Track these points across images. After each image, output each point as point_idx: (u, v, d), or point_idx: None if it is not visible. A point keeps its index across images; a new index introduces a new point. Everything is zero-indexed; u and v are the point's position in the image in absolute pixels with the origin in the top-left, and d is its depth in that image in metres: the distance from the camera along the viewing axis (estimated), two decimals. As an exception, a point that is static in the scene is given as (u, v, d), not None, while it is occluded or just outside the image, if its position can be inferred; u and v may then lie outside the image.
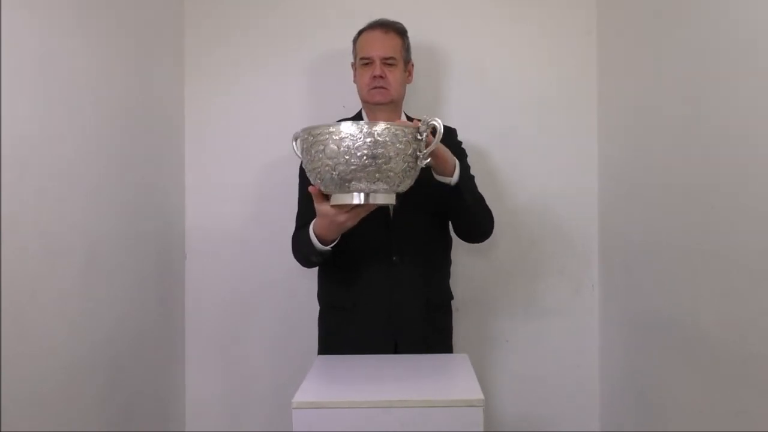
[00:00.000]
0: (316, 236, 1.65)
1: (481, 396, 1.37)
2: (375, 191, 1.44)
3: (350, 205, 1.48)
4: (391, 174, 1.42)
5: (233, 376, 2.36)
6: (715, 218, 1.57)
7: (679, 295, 1.75)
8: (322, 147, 1.40)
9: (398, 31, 1.90)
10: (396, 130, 1.40)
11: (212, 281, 2.35)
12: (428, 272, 1.89)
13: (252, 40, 2.34)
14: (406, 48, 1.92)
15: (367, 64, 1.86)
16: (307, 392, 1.43)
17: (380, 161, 1.39)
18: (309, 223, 1.70)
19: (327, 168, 1.41)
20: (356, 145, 1.38)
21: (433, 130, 1.46)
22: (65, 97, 1.61)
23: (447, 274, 1.99)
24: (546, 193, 2.34)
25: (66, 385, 1.60)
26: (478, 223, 1.85)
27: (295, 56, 2.33)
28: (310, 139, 1.43)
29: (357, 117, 1.94)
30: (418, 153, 1.46)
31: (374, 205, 1.49)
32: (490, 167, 2.29)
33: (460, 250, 2.19)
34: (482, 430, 1.35)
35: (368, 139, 1.38)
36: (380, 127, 1.39)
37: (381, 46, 1.86)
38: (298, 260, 1.82)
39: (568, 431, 2.35)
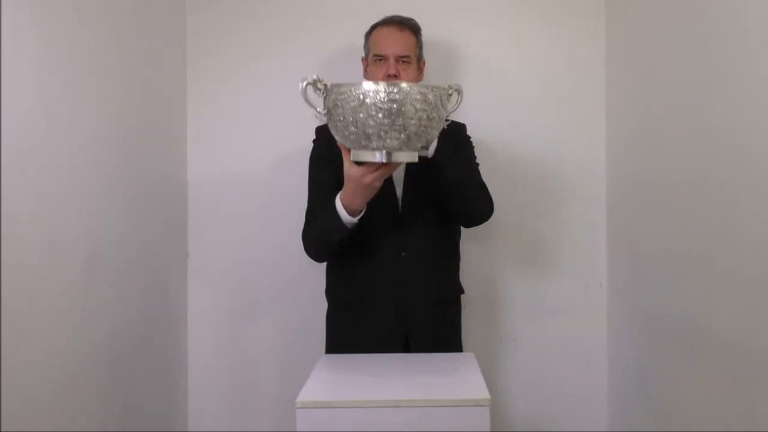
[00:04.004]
0: (344, 207, 1.64)
1: (488, 395, 1.36)
2: (397, 149, 1.47)
3: (375, 164, 1.51)
4: (414, 132, 1.45)
5: (236, 375, 2.35)
6: (723, 215, 1.55)
7: (687, 292, 1.73)
8: (345, 104, 1.44)
9: (413, 28, 1.88)
10: (422, 89, 1.44)
11: (215, 279, 2.34)
12: (437, 267, 1.88)
13: (255, 33, 2.31)
14: (420, 46, 1.91)
15: (380, 60, 1.85)
16: (311, 391, 1.42)
17: (403, 120, 1.43)
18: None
19: (350, 126, 1.45)
20: (379, 103, 1.41)
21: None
22: (66, 94, 1.59)
23: (456, 269, 1.98)
24: (554, 190, 2.32)
25: (67, 385, 1.59)
26: (466, 204, 1.81)
27: (299, 50, 2.30)
28: (333, 97, 1.46)
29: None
30: (443, 114, 1.51)
31: (397, 164, 1.53)
32: (498, 163, 2.27)
33: (467, 248, 2.17)
34: (489, 430, 1.33)
35: (391, 98, 1.41)
36: (405, 86, 1.42)
37: (397, 43, 1.84)
38: (315, 248, 1.79)
39: (575, 431, 2.33)
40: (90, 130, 1.70)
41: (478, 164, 1.88)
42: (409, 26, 1.87)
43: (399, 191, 1.84)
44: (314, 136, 1.91)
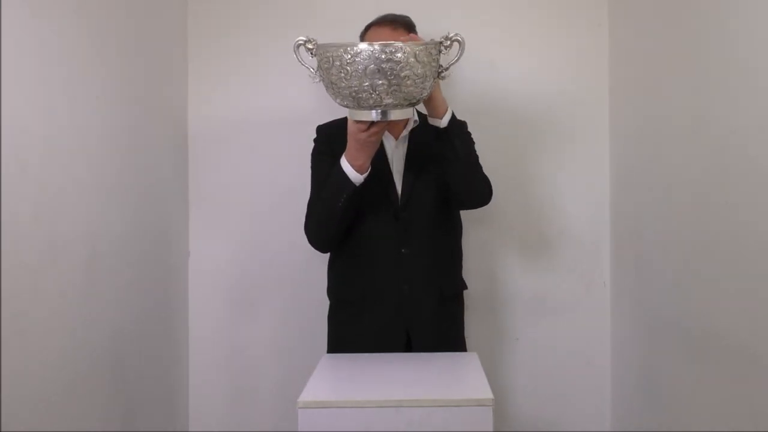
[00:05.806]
0: (349, 164, 1.68)
1: (491, 395, 1.35)
2: (392, 107, 1.51)
3: (369, 121, 1.56)
4: (408, 90, 1.48)
5: (237, 375, 2.34)
6: (727, 215, 1.54)
7: (691, 292, 1.72)
8: (338, 64, 1.46)
9: (407, 26, 1.87)
10: (412, 48, 1.46)
11: (216, 279, 2.33)
12: (439, 263, 1.88)
13: (255, 33, 2.31)
14: None
15: None
16: (313, 391, 1.42)
17: (396, 80, 1.46)
18: None
19: (344, 85, 1.48)
20: (370, 63, 1.44)
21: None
22: (66, 92, 1.59)
23: (459, 265, 1.97)
24: (556, 189, 2.31)
25: (67, 385, 1.58)
26: (473, 181, 1.82)
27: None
28: (327, 56, 1.48)
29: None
30: (439, 69, 1.55)
31: (392, 121, 1.57)
32: (500, 163, 2.25)
33: (468, 247, 2.16)
34: (492, 430, 1.33)
35: (382, 57, 1.44)
36: (396, 45, 1.45)
37: None
38: (317, 224, 1.79)
39: (578, 431, 2.32)
40: (90, 130, 1.69)
41: (477, 157, 1.88)
42: (402, 24, 1.86)
43: (399, 186, 1.83)
44: (315, 135, 1.91)
